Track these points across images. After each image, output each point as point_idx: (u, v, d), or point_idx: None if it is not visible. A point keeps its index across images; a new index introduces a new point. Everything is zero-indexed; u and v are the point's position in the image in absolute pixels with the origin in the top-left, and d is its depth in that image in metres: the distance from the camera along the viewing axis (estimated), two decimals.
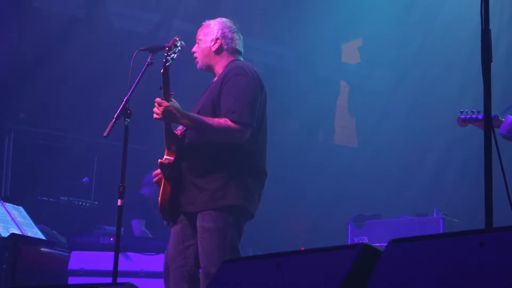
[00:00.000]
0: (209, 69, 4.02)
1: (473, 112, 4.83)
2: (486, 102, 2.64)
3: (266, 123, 3.95)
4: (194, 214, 3.80)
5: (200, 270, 3.83)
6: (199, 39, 4.03)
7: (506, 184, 2.68)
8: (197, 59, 4.02)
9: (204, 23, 4.10)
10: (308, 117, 8.84)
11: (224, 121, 3.72)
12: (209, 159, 3.80)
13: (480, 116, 4.81)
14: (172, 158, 3.78)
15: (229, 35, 4.02)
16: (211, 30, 4.01)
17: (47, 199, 6.93)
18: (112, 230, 6.19)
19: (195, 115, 3.77)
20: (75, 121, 7.47)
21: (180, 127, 3.88)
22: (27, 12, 7.34)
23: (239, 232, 3.80)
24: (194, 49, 4.04)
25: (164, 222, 3.96)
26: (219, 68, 3.98)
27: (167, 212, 3.87)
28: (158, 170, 3.90)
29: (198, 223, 3.76)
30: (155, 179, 3.96)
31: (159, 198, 3.85)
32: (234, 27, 4.06)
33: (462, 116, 4.90)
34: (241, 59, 4.05)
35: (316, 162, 8.74)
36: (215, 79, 3.99)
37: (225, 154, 3.79)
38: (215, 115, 3.79)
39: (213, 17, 4.19)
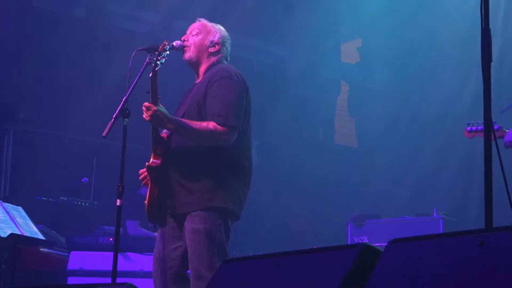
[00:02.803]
0: (196, 64, 4.02)
1: (478, 124, 4.86)
2: (485, 102, 2.63)
3: (251, 125, 3.96)
4: (182, 216, 3.80)
5: (188, 272, 3.84)
6: (198, 32, 4.02)
7: (506, 184, 2.67)
8: (187, 48, 4.00)
9: (200, 20, 4.11)
10: (308, 117, 8.84)
11: (210, 125, 3.73)
12: (196, 161, 3.81)
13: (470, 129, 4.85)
14: (159, 161, 3.80)
15: (228, 47, 4.09)
16: (213, 33, 4.04)
17: (46, 199, 6.93)
18: (111, 230, 6.19)
19: (182, 120, 3.78)
20: (74, 121, 7.46)
21: (166, 130, 3.88)
22: (27, 11, 7.34)
23: (227, 234, 3.81)
24: (185, 37, 4.03)
25: (150, 225, 3.96)
26: (204, 68, 4.00)
27: (154, 215, 3.88)
28: (144, 170, 3.91)
29: (187, 225, 3.77)
30: (141, 177, 3.96)
31: (146, 201, 3.86)
32: (230, 40, 4.12)
33: (469, 128, 4.93)
34: (225, 62, 4.07)
35: (316, 162, 8.74)
36: (198, 80, 4.01)
37: (211, 155, 3.81)
38: (201, 117, 3.81)
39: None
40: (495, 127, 4.80)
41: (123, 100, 3.80)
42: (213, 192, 3.76)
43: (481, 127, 4.84)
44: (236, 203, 3.83)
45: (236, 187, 3.83)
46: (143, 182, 3.95)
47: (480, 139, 4.82)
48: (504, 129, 4.78)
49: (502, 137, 4.76)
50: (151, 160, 3.81)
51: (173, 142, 3.85)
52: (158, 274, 3.87)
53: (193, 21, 4.14)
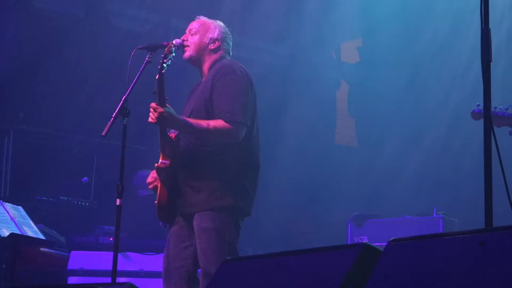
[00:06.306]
0: (197, 62, 4.02)
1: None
2: (485, 102, 2.64)
3: (258, 119, 3.97)
4: (192, 215, 3.81)
5: (199, 270, 3.84)
6: (196, 31, 4.02)
7: (506, 184, 2.67)
8: (187, 48, 3.99)
9: (200, 18, 4.10)
10: (309, 117, 8.83)
11: (218, 123, 3.73)
12: (204, 160, 3.81)
13: (496, 112, 4.74)
14: (168, 162, 3.80)
15: (229, 41, 4.08)
16: (212, 30, 4.03)
17: (46, 199, 6.92)
18: (111, 230, 6.19)
19: (189, 120, 3.78)
20: (74, 121, 7.46)
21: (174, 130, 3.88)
22: (26, 11, 7.33)
23: (237, 231, 3.83)
24: (185, 37, 4.02)
25: (161, 224, 3.96)
26: (207, 66, 4.00)
27: (164, 214, 3.88)
28: (152, 176, 3.91)
29: (196, 224, 3.77)
30: (150, 186, 3.96)
31: (156, 201, 3.86)
32: (231, 35, 4.11)
33: (477, 110, 4.83)
34: (228, 57, 4.06)
35: (316, 161, 8.73)
36: (203, 79, 4.00)
37: (219, 154, 3.81)
38: (208, 115, 3.81)
39: (212, 16, 4.20)
40: (506, 114, 4.74)
41: (123, 99, 3.80)
42: (221, 191, 3.77)
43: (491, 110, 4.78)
44: (245, 200, 3.83)
45: (245, 184, 3.83)
46: (152, 185, 3.94)
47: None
48: None
49: (510, 125, 4.71)
50: (160, 160, 3.81)
51: (181, 142, 3.85)
52: (168, 273, 3.87)
53: (192, 20, 4.13)
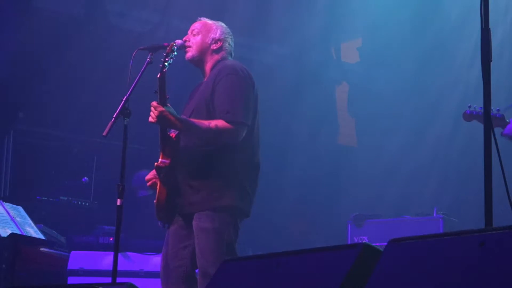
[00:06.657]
0: (199, 63, 4.04)
1: (481, 108, 4.78)
2: (485, 102, 2.64)
3: (259, 119, 3.97)
4: (191, 215, 3.81)
5: (197, 270, 3.85)
6: (198, 31, 4.03)
7: (506, 184, 2.67)
8: (189, 48, 4.01)
9: (201, 19, 4.11)
10: (309, 117, 8.83)
11: (219, 123, 3.74)
12: (204, 160, 3.82)
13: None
14: (167, 161, 3.79)
15: (230, 42, 4.09)
16: (214, 30, 4.06)
17: (46, 199, 6.93)
18: (111, 230, 6.19)
19: (190, 119, 3.79)
20: (74, 121, 7.46)
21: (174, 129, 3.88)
22: (27, 11, 7.33)
23: (236, 231, 3.83)
24: (187, 38, 4.04)
25: (159, 223, 3.96)
26: (209, 66, 4.01)
27: (163, 214, 3.88)
28: (152, 173, 3.91)
29: (195, 223, 3.78)
30: (149, 183, 3.96)
31: (155, 200, 3.86)
32: (232, 35, 4.13)
33: (468, 111, 4.87)
34: (230, 58, 4.07)
35: (316, 161, 8.74)
36: (205, 79, 4.01)
37: (219, 154, 3.81)
38: (209, 115, 3.82)
39: (213, 16, 4.20)
40: (498, 115, 4.77)
41: (124, 99, 3.80)
42: (221, 191, 3.77)
43: (482, 112, 4.78)
44: (244, 200, 3.84)
45: (244, 184, 3.84)
46: (150, 182, 3.94)
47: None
48: (506, 119, 4.77)
49: (502, 126, 4.74)
50: (160, 160, 3.81)
51: (181, 142, 3.85)
52: (166, 273, 3.88)
53: (193, 21, 4.14)
